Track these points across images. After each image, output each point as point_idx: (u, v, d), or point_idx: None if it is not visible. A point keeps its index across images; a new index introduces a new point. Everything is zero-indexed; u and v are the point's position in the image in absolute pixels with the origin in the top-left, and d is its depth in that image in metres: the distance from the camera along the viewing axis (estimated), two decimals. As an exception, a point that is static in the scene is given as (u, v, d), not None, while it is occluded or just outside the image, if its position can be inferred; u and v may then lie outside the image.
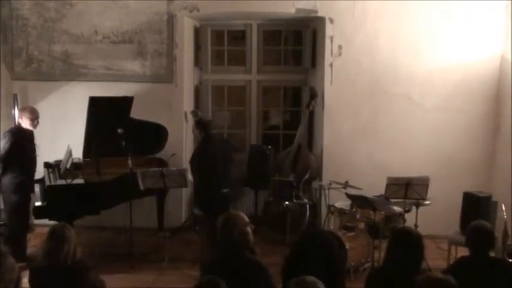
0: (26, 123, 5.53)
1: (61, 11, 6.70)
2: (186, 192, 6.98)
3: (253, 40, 7.38)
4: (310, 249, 3.14)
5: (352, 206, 5.61)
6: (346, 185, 5.73)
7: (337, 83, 6.62)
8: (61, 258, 3.21)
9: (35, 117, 5.59)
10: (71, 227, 3.43)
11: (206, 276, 2.91)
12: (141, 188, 5.45)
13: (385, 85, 6.58)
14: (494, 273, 3.32)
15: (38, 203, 5.57)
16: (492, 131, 6.53)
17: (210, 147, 5.55)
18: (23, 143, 5.47)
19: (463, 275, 3.09)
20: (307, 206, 6.38)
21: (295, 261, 3.15)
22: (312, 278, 2.65)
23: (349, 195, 5.51)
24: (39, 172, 5.96)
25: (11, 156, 5.39)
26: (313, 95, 6.73)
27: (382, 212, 5.33)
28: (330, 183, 5.91)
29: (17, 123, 5.87)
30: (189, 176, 5.75)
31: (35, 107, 6.69)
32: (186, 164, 6.76)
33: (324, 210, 6.25)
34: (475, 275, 3.29)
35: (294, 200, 5.95)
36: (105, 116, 5.75)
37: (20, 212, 5.48)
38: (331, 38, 6.57)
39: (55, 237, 3.27)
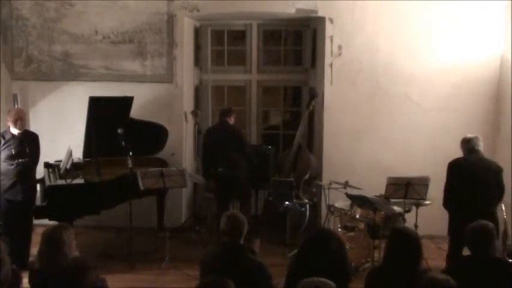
0: (11, 126, 5.46)
1: (61, 11, 6.70)
2: (186, 192, 6.98)
3: (253, 40, 7.38)
4: (318, 249, 3.15)
5: (352, 206, 5.62)
6: (346, 185, 5.73)
7: (337, 83, 6.62)
8: (57, 262, 3.20)
9: (15, 119, 5.42)
10: (68, 226, 3.41)
11: (213, 276, 2.90)
12: (141, 188, 5.45)
13: (385, 85, 6.58)
14: (494, 273, 3.32)
15: (38, 203, 5.57)
16: (492, 131, 6.53)
17: (212, 131, 6.43)
18: (9, 145, 5.42)
19: (463, 274, 3.10)
20: (307, 206, 6.38)
21: (303, 262, 3.16)
22: (322, 280, 2.65)
23: (349, 195, 5.51)
24: (39, 172, 5.96)
25: None
26: (313, 95, 6.73)
27: (382, 212, 5.33)
28: (330, 183, 5.91)
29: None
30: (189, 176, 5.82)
31: (35, 107, 6.74)
32: (186, 164, 6.78)
33: (324, 210, 6.26)
34: (475, 274, 3.29)
35: (294, 200, 5.94)
36: (105, 116, 5.75)
37: (12, 216, 5.44)
38: (331, 38, 6.57)
39: (49, 242, 3.24)
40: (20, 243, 5.36)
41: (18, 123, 5.43)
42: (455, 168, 5.09)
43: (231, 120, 6.40)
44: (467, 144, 5.12)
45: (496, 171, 5.06)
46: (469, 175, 5.00)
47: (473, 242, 3.45)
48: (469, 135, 5.18)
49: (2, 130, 5.90)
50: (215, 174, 6.34)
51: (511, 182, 5.84)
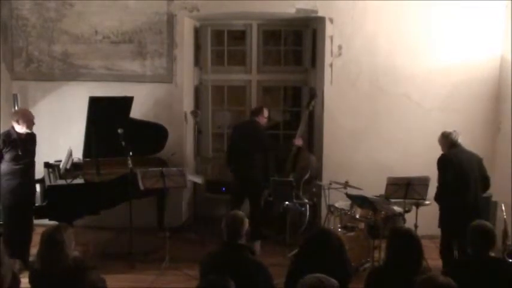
0: (19, 126, 5.44)
1: (61, 11, 6.70)
2: (186, 192, 6.98)
3: (253, 40, 7.38)
4: (318, 249, 3.15)
5: (352, 206, 5.62)
6: (346, 185, 5.73)
7: (337, 83, 6.62)
8: (57, 262, 3.20)
9: (29, 120, 5.46)
10: (67, 227, 3.40)
11: (212, 275, 2.90)
12: (141, 188, 5.45)
13: (385, 85, 6.58)
14: (494, 273, 3.32)
15: (38, 203, 5.57)
16: (492, 131, 6.54)
17: (236, 128, 6.61)
18: (15, 145, 5.40)
19: (463, 274, 3.10)
20: (307, 206, 6.38)
21: (302, 262, 3.16)
22: (324, 276, 2.66)
23: (349, 195, 5.51)
24: (39, 172, 5.96)
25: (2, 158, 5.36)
26: (312, 95, 6.73)
27: (382, 212, 5.33)
28: (330, 183, 5.91)
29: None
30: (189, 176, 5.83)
31: (35, 107, 6.74)
32: (186, 164, 6.78)
33: (324, 210, 6.25)
34: (475, 274, 3.29)
35: (294, 200, 5.95)
36: (105, 116, 5.75)
37: (14, 217, 5.43)
38: (331, 38, 6.57)
39: (48, 243, 3.24)
40: (21, 243, 5.36)
41: (31, 124, 5.45)
42: (444, 163, 5.14)
43: (261, 120, 6.42)
44: (448, 138, 5.21)
45: (479, 162, 5.21)
46: (459, 168, 5.08)
47: (474, 242, 3.45)
48: (448, 130, 5.27)
49: (1, 130, 5.90)
50: (233, 171, 6.47)
51: (511, 181, 5.87)
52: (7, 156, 5.35)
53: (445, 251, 5.18)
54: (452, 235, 5.08)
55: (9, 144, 5.34)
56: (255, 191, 6.40)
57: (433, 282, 2.75)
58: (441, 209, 5.21)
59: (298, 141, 6.61)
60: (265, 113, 6.49)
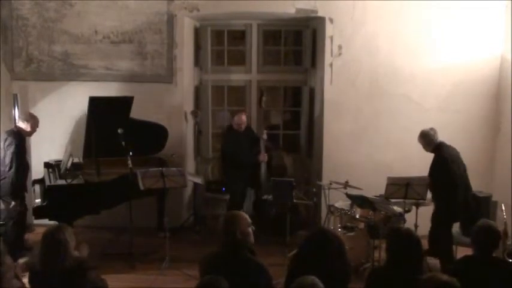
0: (25, 129, 5.52)
1: (61, 11, 6.70)
2: (186, 192, 6.98)
3: (253, 40, 7.38)
4: (318, 249, 3.15)
5: (352, 206, 5.62)
6: (346, 185, 5.73)
7: (337, 83, 6.63)
8: (57, 262, 3.20)
9: (36, 126, 5.74)
10: (68, 227, 3.41)
11: (208, 276, 2.91)
12: (141, 188, 5.45)
13: (385, 85, 6.59)
14: (496, 273, 3.32)
15: (37, 202, 5.57)
16: (492, 131, 6.54)
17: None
18: (23, 145, 5.48)
19: (465, 274, 3.10)
20: (307, 206, 6.37)
21: (302, 262, 3.16)
22: (311, 278, 2.66)
23: (349, 195, 5.51)
24: (39, 172, 5.95)
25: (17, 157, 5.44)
26: (261, 93, 6.69)
27: (382, 212, 5.33)
28: (330, 183, 5.91)
29: (17, 125, 5.82)
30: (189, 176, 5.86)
31: (35, 107, 6.75)
32: (186, 164, 6.78)
33: (324, 210, 6.25)
34: (477, 274, 3.29)
35: (294, 200, 5.94)
36: (105, 116, 5.75)
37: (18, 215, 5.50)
38: (331, 38, 6.57)
39: (49, 243, 3.25)
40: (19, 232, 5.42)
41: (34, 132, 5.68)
42: (440, 164, 5.28)
43: (234, 124, 6.46)
44: (427, 137, 5.43)
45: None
46: (457, 168, 5.30)
47: (479, 242, 3.44)
48: (428, 128, 5.48)
49: (2, 130, 5.91)
50: None
51: (511, 181, 5.87)
52: (22, 156, 5.42)
53: (440, 249, 5.23)
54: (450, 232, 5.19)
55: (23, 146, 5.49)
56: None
57: (437, 280, 2.76)
58: (440, 208, 5.23)
59: (263, 157, 6.47)
60: (236, 118, 6.44)
